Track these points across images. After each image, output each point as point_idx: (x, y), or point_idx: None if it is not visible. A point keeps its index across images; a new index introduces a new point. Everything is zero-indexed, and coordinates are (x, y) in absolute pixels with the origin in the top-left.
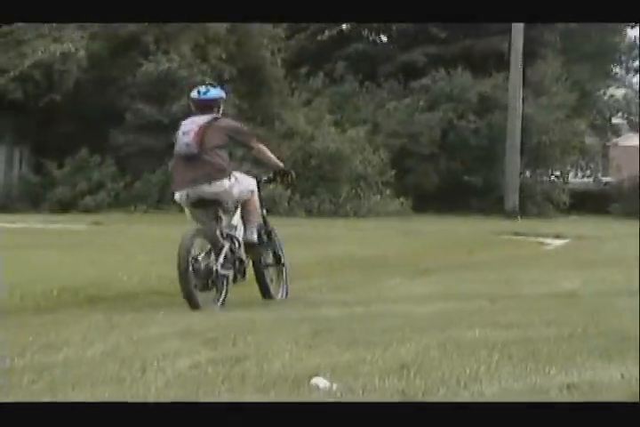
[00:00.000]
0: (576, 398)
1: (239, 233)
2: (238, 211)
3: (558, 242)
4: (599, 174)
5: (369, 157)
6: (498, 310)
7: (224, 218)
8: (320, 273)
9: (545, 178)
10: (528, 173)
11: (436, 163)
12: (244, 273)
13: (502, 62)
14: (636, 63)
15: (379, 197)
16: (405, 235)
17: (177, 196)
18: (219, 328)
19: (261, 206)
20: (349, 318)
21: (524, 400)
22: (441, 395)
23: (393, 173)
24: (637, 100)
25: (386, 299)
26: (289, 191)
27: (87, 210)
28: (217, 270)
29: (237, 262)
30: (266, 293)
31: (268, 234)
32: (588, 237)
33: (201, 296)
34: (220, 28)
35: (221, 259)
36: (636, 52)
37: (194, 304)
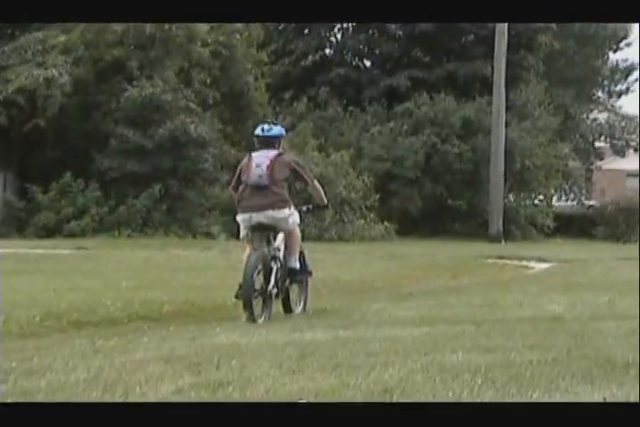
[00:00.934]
0: None
1: (281, 254)
2: (281, 235)
3: (542, 265)
4: (583, 198)
5: (353, 182)
6: (481, 334)
7: (273, 242)
8: None
9: (529, 202)
10: (512, 197)
11: (419, 187)
12: (283, 290)
13: (486, 86)
14: (619, 87)
15: (363, 221)
16: (389, 259)
17: (239, 218)
18: (203, 353)
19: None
20: (334, 342)
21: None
22: None
23: (377, 197)
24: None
25: (370, 323)
26: None
27: (72, 235)
28: (269, 290)
29: (280, 282)
30: (287, 308)
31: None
32: (572, 260)
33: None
34: (204, 52)
35: (272, 280)
36: (619, 75)
37: (253, 318)
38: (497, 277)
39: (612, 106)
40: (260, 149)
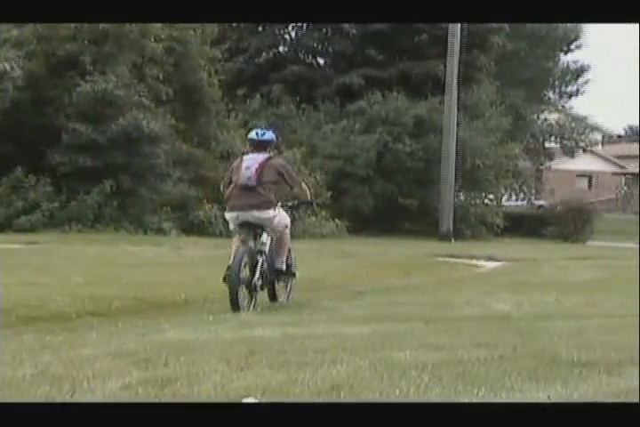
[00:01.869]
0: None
1: (267, 249)
2: (266, 233)
3: (492, 264)
4: (533, 198)
5: (305, 179)
6: (430, 332)
7: (259, 237)
8: None
9: (479, 201)
10: (462, 196)
11: (371, 185)
12: (269, 283)
13: (438, 86)
14: (570, 88)
15: (314, 218)
16: (341, 257)
17: (228, 216)
18: (151, 349)
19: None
20: (283, 339)
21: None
22: None
23: (329, 194)
24: (570, 125)
25: (319, 320)
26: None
27: (22, 230)
28: (254, 281)
29: (265, 275)
30: (272, 297)
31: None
32: (521, 259)
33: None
34: (157, 48)
35: (257, 273)
36: (569, 77)
37: (237, 307)
38: (447, 276)
39: (563, 107)
40: (252, 151)
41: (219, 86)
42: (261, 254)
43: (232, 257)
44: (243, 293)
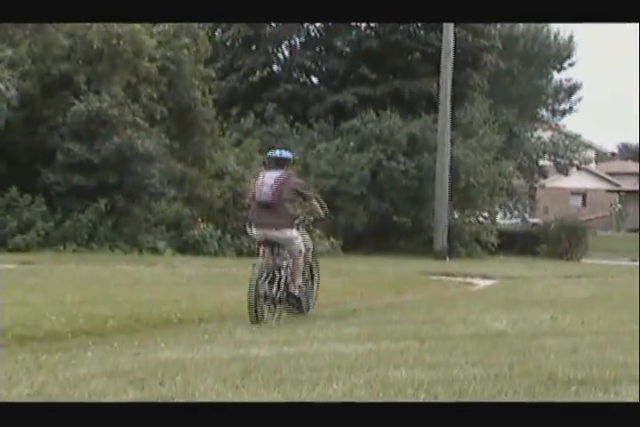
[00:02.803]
0: None
1: (286, 263)
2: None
3: (486, 282)
4: (527, 215)
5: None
6: (425, 350)
7: (280, 253)
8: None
9: (473, 219)
10: (456, 214)
11: (365, 203)
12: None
13: (431, 104)
14: (562, 106)
15: (308, 237)
16: (335, 275)
17: (249, 231)
18: (147, 368)
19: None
20: (278, 358)
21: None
22: None
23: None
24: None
25: (314, 339)
26: (219, 231)
27: (17, 249)
28: (273, 296)
29: (282, 284)
30: (297, 307)
31: (310, 270)
32: (516, 277)
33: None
34: (151, 68)
35: (275, 286)
36: (562, 94)
37: (256, 320)
38: (441, 294)
39: (556, 124)
40: (270, 169)
41: (212, 105)
42: (280, 270)
43: (251, 273)
44: (263, 306)
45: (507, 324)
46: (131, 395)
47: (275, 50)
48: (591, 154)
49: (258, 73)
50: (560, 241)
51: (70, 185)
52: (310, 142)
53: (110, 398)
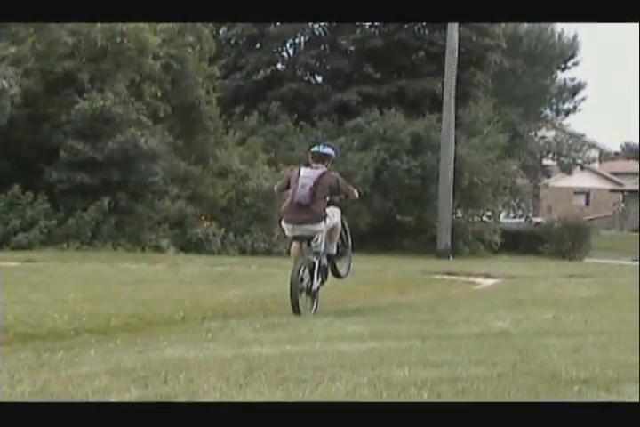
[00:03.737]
0: None
1: (322, 247)
2: (320, 235)
3: (489, 282)
4: (530, 215)
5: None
6: (428, 349)
7: (313, 246)
8: (253, 311)
9: (477, 218)
10: (460, 213)
11: (369, 202)
12: (327, 277)
13: (435, 103)
14: (566, 105)
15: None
16: None
17: (284, 226)
18: (150, 366)
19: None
20: (281, 356)
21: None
22: None
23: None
24: (568, 142)
25: (318, 337)
26: (222, 230)
27: (20, 247)
28: (312, 286)
29: (323, 272)
30: (335, 274)
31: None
32: (519, 276)
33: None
34: (155, 66)
35: (315, 277)
36: (566, 94)
37: (298, 311)
38: (444, 293)
39: (560, 124)
40: (312, 163)
41: (216, 104)
42: (317, 255)
43: (293, 264)
44: (303, 298)
45: (510, 323)
46: (134, 393)
47: (279, 48)
48: (595, 153)
49: (262, 71)
50: (563, 240)
51: (74, 183)
52: (314, 141)
53: (113, 397)
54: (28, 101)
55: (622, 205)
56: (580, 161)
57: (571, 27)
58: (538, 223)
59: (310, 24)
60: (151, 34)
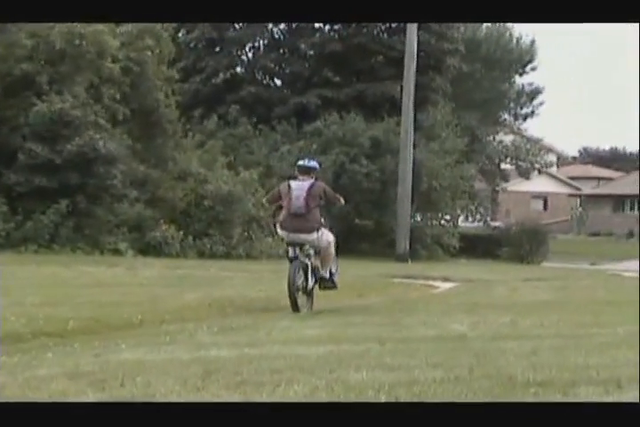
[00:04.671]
0: None
1: (312, 252)
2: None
3: (447, 285)
4: (488, 219)
5: (261, 200)
6: (386, 353)
7: (307, 251)
8: (211, 315)
9: (435, 222)
10: (419, 217)
11: (327, 206)
12: (317, 281)
13: (395, 107)
14: (524, 110)
15: (271, 239)
16: None
17: (280, 233)
18: (107, 369)
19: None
20: (239, 360)
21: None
22: None
23: None
24: (525, 147)
25: (276, 341)
26: (181, 233)
27: None
28: (307, 285)
29: (314, 274)
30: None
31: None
32: (477, 280)
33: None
34: (114, 68)
35: (310, 277)
36: (524, 98)
37: (297, 309)
38: (403, 297)
39: (518, 128)
40: (299, 176)
41: (175, 107)
42: (309, 257)
43: (289, 270)
44: (299, 297)
45: (467, 326)
46: (91, 396)
47: (238, 52)
48: (552, 158)
49: (221, 75)
50: (521, 244)
51: (32, 186)
52: (273, 144)
53: (70, 400)
54: None
55: (580, 209)
56: (537, 165)
57: (529, 31)
58: (496, 227)
59: (270, 27)
60: (110, 37)
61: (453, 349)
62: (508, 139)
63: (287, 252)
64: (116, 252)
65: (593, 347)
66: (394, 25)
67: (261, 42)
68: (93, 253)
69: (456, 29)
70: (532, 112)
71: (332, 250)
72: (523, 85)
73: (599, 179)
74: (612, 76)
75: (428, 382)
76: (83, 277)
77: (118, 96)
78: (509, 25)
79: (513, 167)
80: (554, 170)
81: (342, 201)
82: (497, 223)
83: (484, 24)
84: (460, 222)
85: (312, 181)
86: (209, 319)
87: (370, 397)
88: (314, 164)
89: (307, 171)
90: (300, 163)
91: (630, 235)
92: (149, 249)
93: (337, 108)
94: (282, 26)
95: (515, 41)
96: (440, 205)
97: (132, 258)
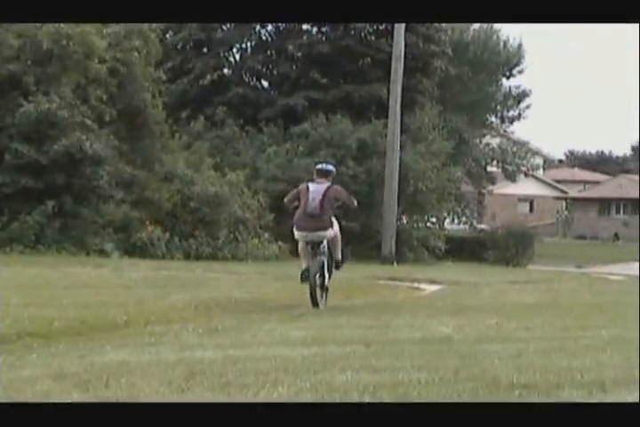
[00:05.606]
0: None
1: (326, 248)
2: (325, 240)
3: (433, 288)
4: (475, 221)
5: (248, 201)
6: (371, 355)
7: (321, 248)
8: (197, 316)
9: (421, 224)
10: (405, 220)
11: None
12: (330, 277)
13: (382, 109)
14: (511, 113)
15: (257, 240)
16: (283, 279)
17: (297, 233)
18: (92, 370)
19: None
20: (224, 361)
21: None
22: None
23: (272, 217)
24: (512, 149)
25: (261, 342)
26: (167, 234)
27: None
28: (325, 281)
29: (329, 267)
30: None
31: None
32: (463, 283)
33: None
34: (101, 69)
35: (326, 273)
36: (511, 102)
37: (316, 304)
38: (388, 299)
39: (505, 131)
40: (317, 179)
41: (162, 108)
42: (324, 255)
43: (304, 263)
44: (318, 293)
45: (453, 329)
46: (75, 397)
47: (226, 53)
48: (539, 161)
49: (208, 76)
50: (507, 247)
51: (18, 186)
52: (260, 146)
53: (54, 400)
54: None
55: (566, 212)
56: (524, 168)
57: (516, 34)
58: (482, 230)
59: (257, 29)
60: (98, 37)
61: (439, 351)
62: (494, 141)
63: (299, 249)
64: (102, 253)
65: (578, 349)
66: (381, 27)
67: (249, 43)
68: (79, 254)
69: (443, 32)
70: (519, 115)
71: (339, 236)
72: (510, 88)
73: (585, 182)
74: (599, 80)
75: (412, 383)
76: (68, 278)
77: (105, 97)
78: (497, 27)
79: (499, 170)
80: (540, 173)
81: (355, 203)
82: (483, 226)
83: (472, 26)
84: (446, 225)
85: (329, 184)
86: (194, 321)
87: (354, 398)
88: (331, 168)
89: (324, 174)
90: (319, 167)
91: (616, 238)
92: (135, 250)
93: (324, 109)
94: (269, 27)
95: (502, 44)
96: (426, 207)
97: (118, 259)
